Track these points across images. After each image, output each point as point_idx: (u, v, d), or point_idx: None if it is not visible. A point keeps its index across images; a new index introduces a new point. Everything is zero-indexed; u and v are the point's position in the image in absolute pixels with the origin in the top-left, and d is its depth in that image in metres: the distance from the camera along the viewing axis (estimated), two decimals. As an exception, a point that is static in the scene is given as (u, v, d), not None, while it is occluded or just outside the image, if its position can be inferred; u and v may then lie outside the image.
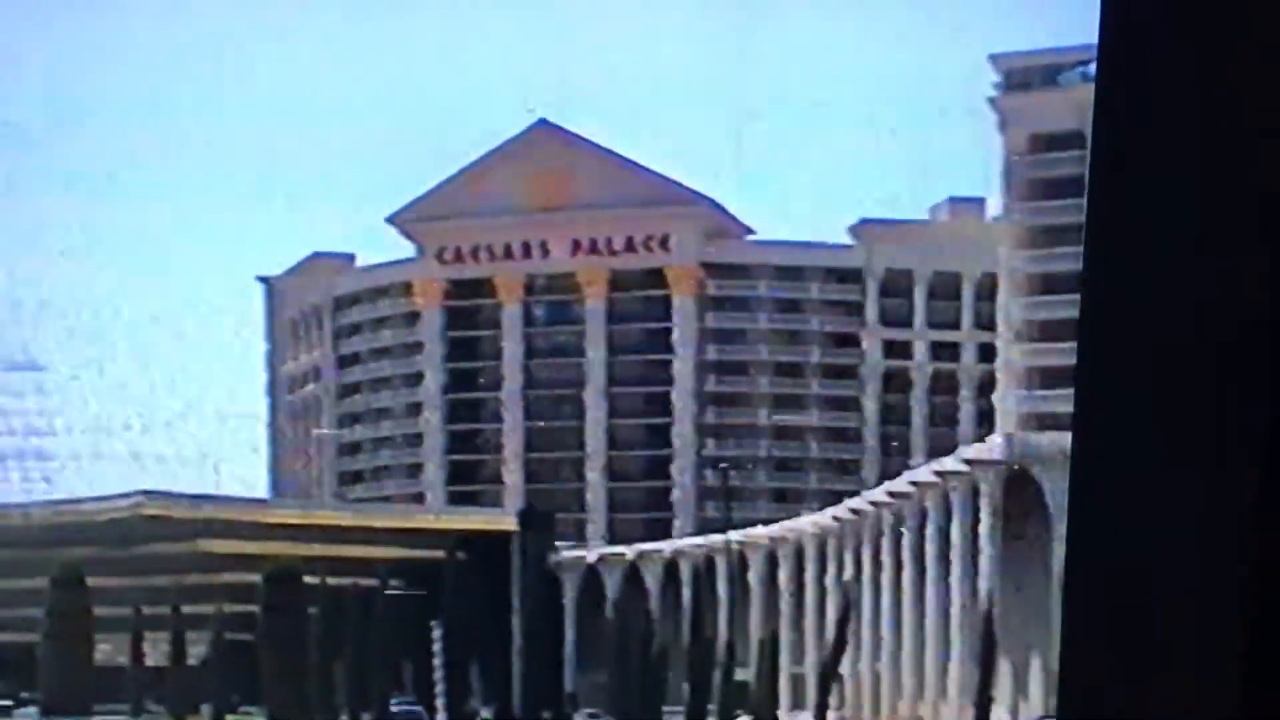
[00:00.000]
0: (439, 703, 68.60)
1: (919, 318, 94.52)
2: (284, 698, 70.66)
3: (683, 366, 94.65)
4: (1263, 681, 2.22)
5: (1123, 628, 2.32)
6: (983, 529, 73.61)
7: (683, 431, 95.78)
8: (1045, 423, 78.71)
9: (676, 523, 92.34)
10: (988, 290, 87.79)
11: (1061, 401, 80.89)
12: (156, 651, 79.61)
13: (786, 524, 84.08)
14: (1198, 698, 2.26)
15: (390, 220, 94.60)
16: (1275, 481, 2.18)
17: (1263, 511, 2.18)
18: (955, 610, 73.95)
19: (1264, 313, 2.16)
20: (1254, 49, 2.14)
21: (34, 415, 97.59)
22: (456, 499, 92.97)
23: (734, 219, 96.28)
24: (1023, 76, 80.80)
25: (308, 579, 77.74)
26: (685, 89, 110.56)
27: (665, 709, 74.11)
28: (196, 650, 79.75)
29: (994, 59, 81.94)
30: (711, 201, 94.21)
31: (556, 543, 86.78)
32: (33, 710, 66.48)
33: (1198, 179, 2.19)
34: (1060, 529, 44.56)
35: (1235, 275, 2.18)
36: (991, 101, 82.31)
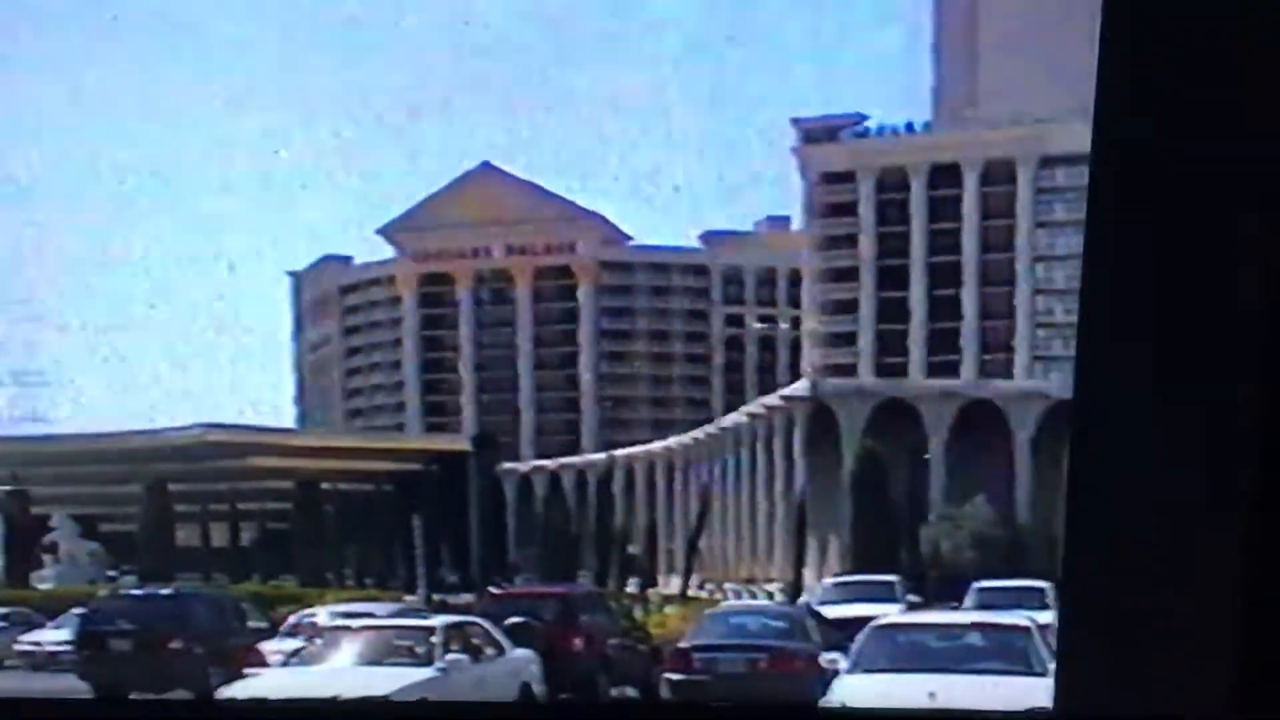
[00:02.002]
0: (420, 573, 66.37)
1: (749, 299, 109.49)
2: (308, 569, 74.80)
3: (585, 332, 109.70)
4: (1259, 674, 2.02)
5: (1119, 622, 2.08)
6: (796, 445, 79.43)
7: (586, 379, 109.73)
8: (835, 372, 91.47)
9: (583, 443, 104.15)
10: (795, 279, 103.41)
11: (845, 356, 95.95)
12: (219, 537, 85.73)
13: (658, 444, 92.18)
14: (1194, 691, 2.04)
15: (379, 231, 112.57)
16: (1272, 476, 1.97)
17: (1260, 506, 1.97)
18: (778, 503, 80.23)
19: (1261, 307, 1.94)
20: (1254, 45, 1.90)
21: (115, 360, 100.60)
22: (429, 428, 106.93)
23: (618, 230, 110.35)
24: (813, 134, 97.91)
25: (324, 485, 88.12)
26: (579, 138, 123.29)
27: (578, 573, 73.68)
28: (247, 536, 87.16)
29: (794, 121, 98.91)
30: (602, 218, 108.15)
31: (500, 459, 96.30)
32: (131, 579, 62.89)
33: (1196, 174, 1.95)
34: (849, 448, 67.19)
35: (1233, 271, 1.97)
36: (794, 150, 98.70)
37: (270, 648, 25.00)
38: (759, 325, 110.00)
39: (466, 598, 36.26)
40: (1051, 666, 15.68)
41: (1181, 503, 2.07)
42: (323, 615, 28.35)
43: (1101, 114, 2.03)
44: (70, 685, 24.82)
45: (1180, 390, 2.06)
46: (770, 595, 54.88)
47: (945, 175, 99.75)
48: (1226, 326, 2.03)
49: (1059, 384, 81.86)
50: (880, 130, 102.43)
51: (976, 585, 31.66)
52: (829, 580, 45.88)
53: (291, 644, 24.48)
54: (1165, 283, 2.05)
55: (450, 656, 18.94)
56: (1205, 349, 2.05)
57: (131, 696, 23.98)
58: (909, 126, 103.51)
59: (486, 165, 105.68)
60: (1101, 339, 2.11)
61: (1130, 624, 2.12)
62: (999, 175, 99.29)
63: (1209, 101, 1.99)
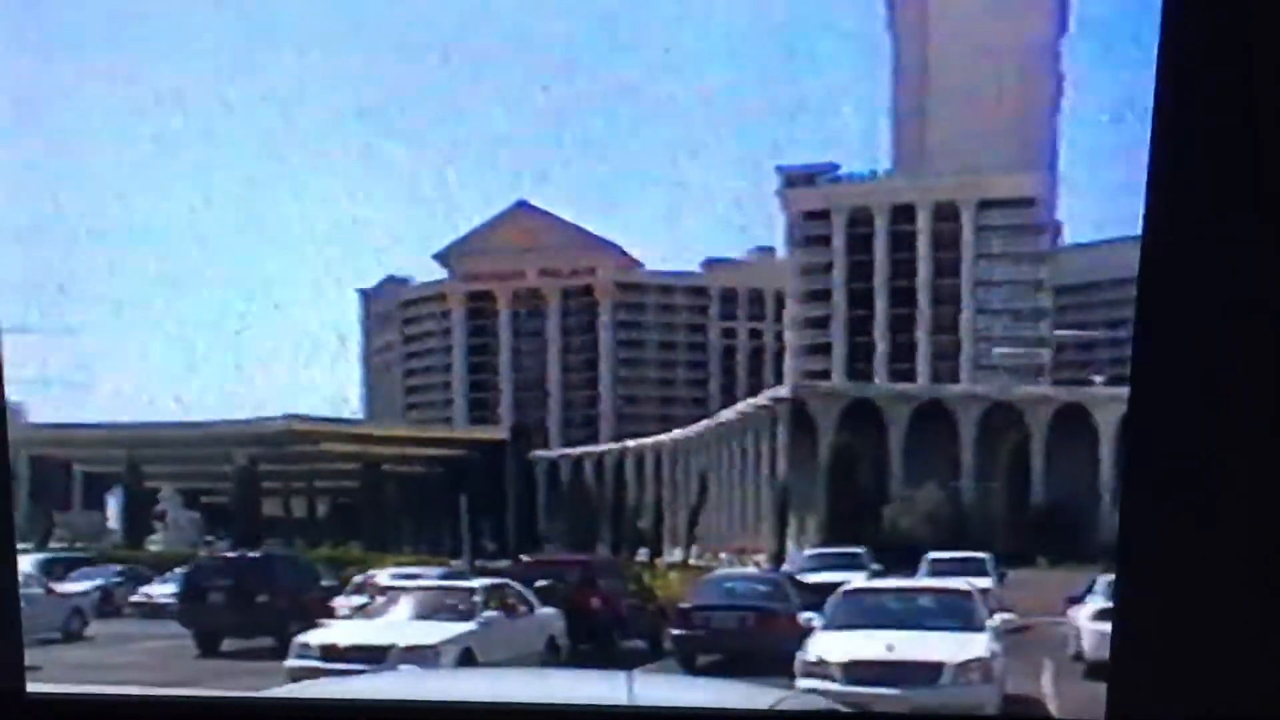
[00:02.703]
0: (465, 542, 65.61)
1: (741, 316, 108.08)
2: (371, 537, 72.96)
3: (604, 342, 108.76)
4: None
5: (1173, 623, 1.77)
6: (779, 438, 78.83)
7: (604, 381, 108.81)
8: (812, 377, 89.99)
9: (601, 435, 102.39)
10: (779, 300, 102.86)
11: (820, 364, 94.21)
12: (298, 509, 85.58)
13: (664, 436, 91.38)
14: (1247, 693, 1.74)
15: (434, 256, 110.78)
16: None
17: None
18: (764, 486, 78.88)
19: None
20: None
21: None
22: (473, 421, 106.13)
23: (632, 257, 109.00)
24: (794, 179, 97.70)
25: (385, 467, 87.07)
26: (598, 180, 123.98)
27: (597, 544, 73.82)
28: (321, 509, 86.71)
29: (778, 168, 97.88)
30: (619, 247, 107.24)
31: (532, 448, 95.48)
32: (225, 543, 62.38)
33: (1253, 173, 1.67)
34: (823, 441, 66.91)
35: None
36: (778, 192, 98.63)
37: (339, 602, 24.96)
38: (749, 339, 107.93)
39: (503, 563, 35.84)
40: (990, 623, 16.22)
41: (1236, 502, 1.81)
42: (383, 576, 28.55)
43: (1160, 115, 1.78)
44: (174, 630, 24.82)
45: (1235, 390, 1.79)
46: (757, 564, 54.39)
47: (903, 214, 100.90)
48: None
49: (997, 388, 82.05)
50: (850, 176, 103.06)
51: (928, 556, 31.60)
52: (806, 551, 46.06)
53: (357, 600, 24.42)
54: (1220, 278, 1.78)
55: (488, 613, 18.85)
56: (1263, 345, 1.77)
57: (224, 646, 23.93)
58: (873, 173, 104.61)
59: (522, 203, 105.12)
60: (1158, 336, 1.85)
61: (1186, 624, 1.84)
62: (947, 214, 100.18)
63: (1265, 103, 1.72)
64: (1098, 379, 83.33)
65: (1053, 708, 15.33)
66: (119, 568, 38.70)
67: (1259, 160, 1.76)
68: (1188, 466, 1.83)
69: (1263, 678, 1.83)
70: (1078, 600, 19.99)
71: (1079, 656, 18.86)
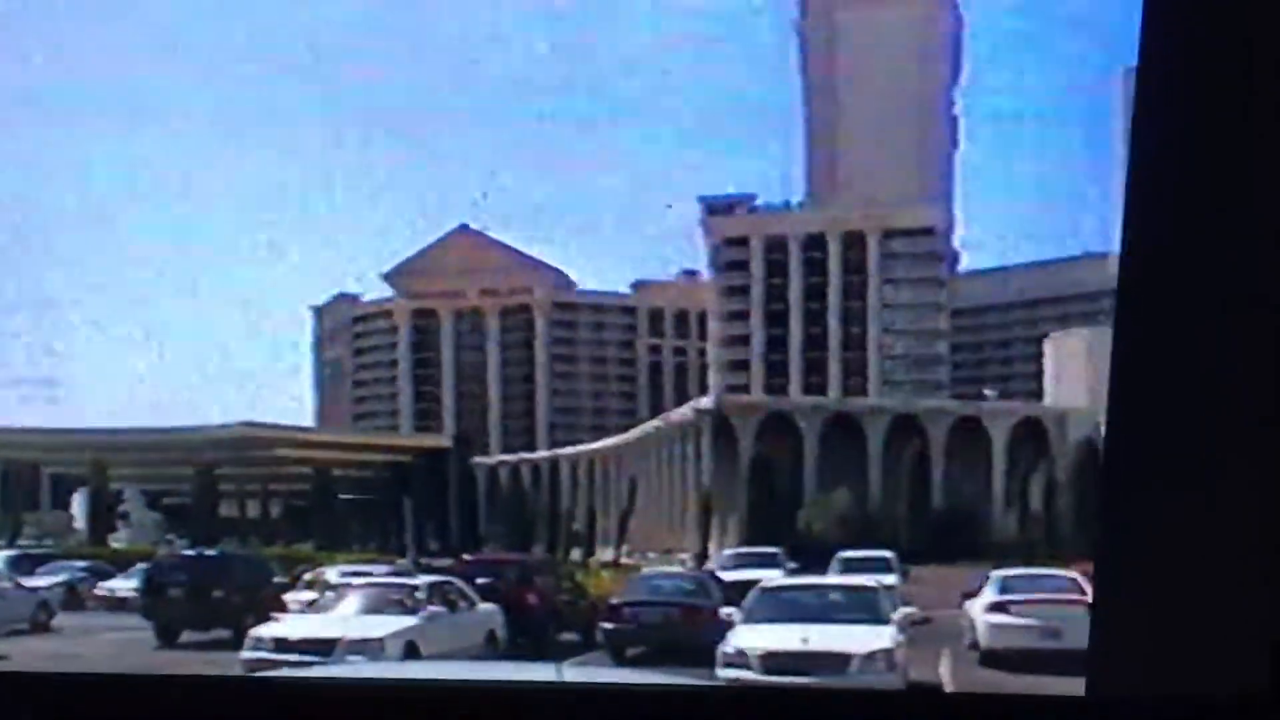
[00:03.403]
0: (410, 542, 65.61)
1: (667, 333, 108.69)
2: (322, 537, 72.42)
3: (540, 357, 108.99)
4: None
5: (1151, 605, 1.68)
6: (704, 445, 78.24)
7: (541, 392, 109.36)
8: (732, 389, 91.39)
9: (538, 443, 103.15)
10: (702, 318, 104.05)
11: (740, 378, 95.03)
12: (253, 510, 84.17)
13: (597, 444, 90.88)
14: (1226, 672, 1.65)
15: (383, 276, 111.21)
16: None
17: None
18: (689, 490, 78.73)
19: None
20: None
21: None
22: (418, 429, 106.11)
23: (567, 277, 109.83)
24: (716, 208, 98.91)
25: (336, 471, 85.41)
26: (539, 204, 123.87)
27: (533, 545, 73.02)
28: (275, 510, 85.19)
29: (700, 198, 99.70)
30: (555, 268, 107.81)
31: (473, 454, 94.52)
32: (185, 541, 60.56)
33: (1229, 171, 1.59)
34: (743, 449, 67.35)
35: (1260, 269, 1.59)
36: (701, 220, 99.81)
37: (291, 597, 24.52)
38: (674, 356, 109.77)
39: (446, 562, 35.33)
40: (894, 616, 16.46)
41: (1213, 488, 1.71)
42: (332, 574, 28.12)
43: (1142, 114, 1.71)
44: (135, 622, 24.27)
45: (1211, 379, 1.71)
46: (683, 563, 54.27)
47: (815, 242, 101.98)
48: (1259, 322, 1.67)
49: (900, 401, 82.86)
50: (767, 207, 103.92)
51: (839, 555, 31.51)
52: (728, 551, 45.29)
53: (308, 595, 24.02)
54: (1196, 280, 1.69)
55: (431, 608, 18.59)
56: (1234, 342, 1.70)
57: (182, 638, 23.43)
58: (787, 204, 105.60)
59: (464, 226, 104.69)
60: (1136, 334, 1.75)
61: (1163, 607, 1.75)
62: (854, 242, 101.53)
63: (1240, 111, 1.65)
64: (989, 393, 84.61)
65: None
66: (84, 563, 38.12)
67: (1228, 163, 1.69)
68: (1162, 452, 1.76)
69: (1236, 656, 1.75)
70: (973, 595, 20.10)
71: (974, 646, 18.90)
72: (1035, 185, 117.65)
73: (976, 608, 19.13)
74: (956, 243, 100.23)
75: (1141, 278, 1.73)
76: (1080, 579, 18.34)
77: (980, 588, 19.70)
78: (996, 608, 18.37)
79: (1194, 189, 1.70)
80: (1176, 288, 1.72)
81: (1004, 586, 18.89)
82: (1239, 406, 1.72)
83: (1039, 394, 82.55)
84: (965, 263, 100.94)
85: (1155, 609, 1.78)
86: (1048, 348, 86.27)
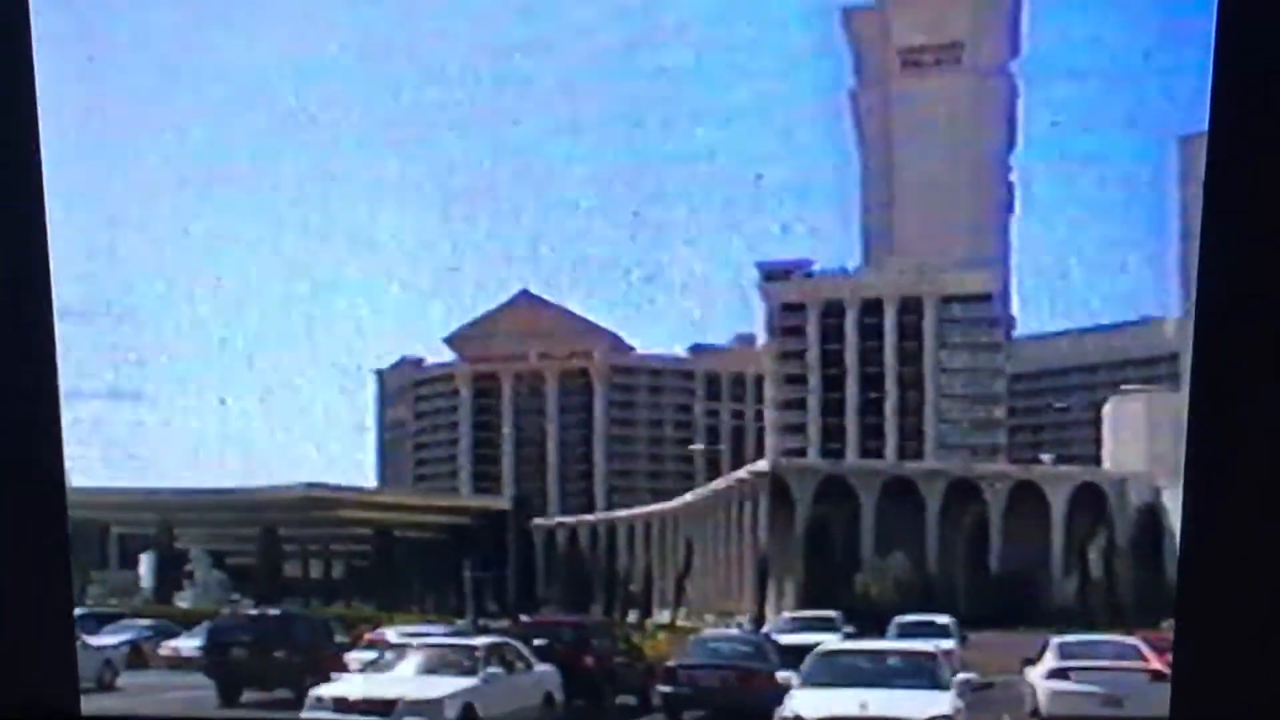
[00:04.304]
0: (469, 603, 65.99)
1: (724, 397, 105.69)
2: (382, 597, 72.58)
3: (598, 420, 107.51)
4: None
5: (1235, 636, 1.61)
6: (760, 509, 78.17)
7: (599, 455, 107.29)
8: (789, 454, 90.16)
9: (595, 505, 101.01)
10: (759, 383, 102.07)
11: (796, 442, 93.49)
12: (315, 570, 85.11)
13: (654, 506, 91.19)
14: None
15: (445, 340, 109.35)
16: None
17: None
18: (746, 553, 78.33)
19: None
20: None
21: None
22: (478, 491, 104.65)
23: (625, 342, 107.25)
24: (773, 274, 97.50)
25: (396, 533, 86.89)
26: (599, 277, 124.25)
27: (590, 606, 74.82)
28: (336, 570, 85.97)
29: (758, 264, 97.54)
30: (613, 333, 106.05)
31: (532, 516, 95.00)
32: (248, 601, 59.96)
33: None
34: (800, 512, 66.86)
35: None
36: (758, 285, 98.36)
37: (352, 657, 24.51)
38: (731, 418, 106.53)
39: (503, 623, 35.19)
40: (953, 681, 16.14)
41: None
42: (392, 634, 28.09)
43: (1215, 134, 1.68)
44: (198, 681, 24.55)
45: None
46: (740, 626, 53.53)
47: (872, 307, 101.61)
48: None
49: (958, 465, 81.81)
50: (823, 272, 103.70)
51: (897, 620, 31.13)
52: (785, 615, 45.76)
53: (368, 655, 23.99)
54: (1270, 341, 1.64)
55: (490, 669, 18.52)
56: None
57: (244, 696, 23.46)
58: (844, 270, 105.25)
59: (525, 291, 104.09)
60: (1213, 398, 1.71)
61: (1246, 639, 1.67)
62: (911, 307, 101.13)
63: None
64: (1047, 458, 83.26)
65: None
66: (149, 622, 38.12)
67: None
68: (1239, 518, 1.68)
69: None
70: (1033, 661, 19.73)
71: (1034, 713, 18.60)
72: (1090, 250, 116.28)
73: (1037, 674, 18.84)
74: (1013, 308, 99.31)
75: (1217, 341, 1.73)
76: (1141, 646, 17.97)
77: (1040, 654, 19.45)
78: (1057, 674, 18.11)
79: (1266, 253, 1.70)
80: (1250, 350, 1.70)
81: (1064, 652, 18.62)
82: None
83: (1097, 459, 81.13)
84: (1021, 328, 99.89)
85: (1237, 632, 1.71)
86: (1106, 412, 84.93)
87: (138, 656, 32.05)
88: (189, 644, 31.11)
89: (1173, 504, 56.22)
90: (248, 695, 23.55)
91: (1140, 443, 70.33)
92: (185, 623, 37.45)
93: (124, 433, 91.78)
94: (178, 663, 30.34)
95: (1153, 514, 59.81)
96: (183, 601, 65.14)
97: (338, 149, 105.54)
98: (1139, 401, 77.04)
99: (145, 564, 75.91)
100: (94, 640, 29.84)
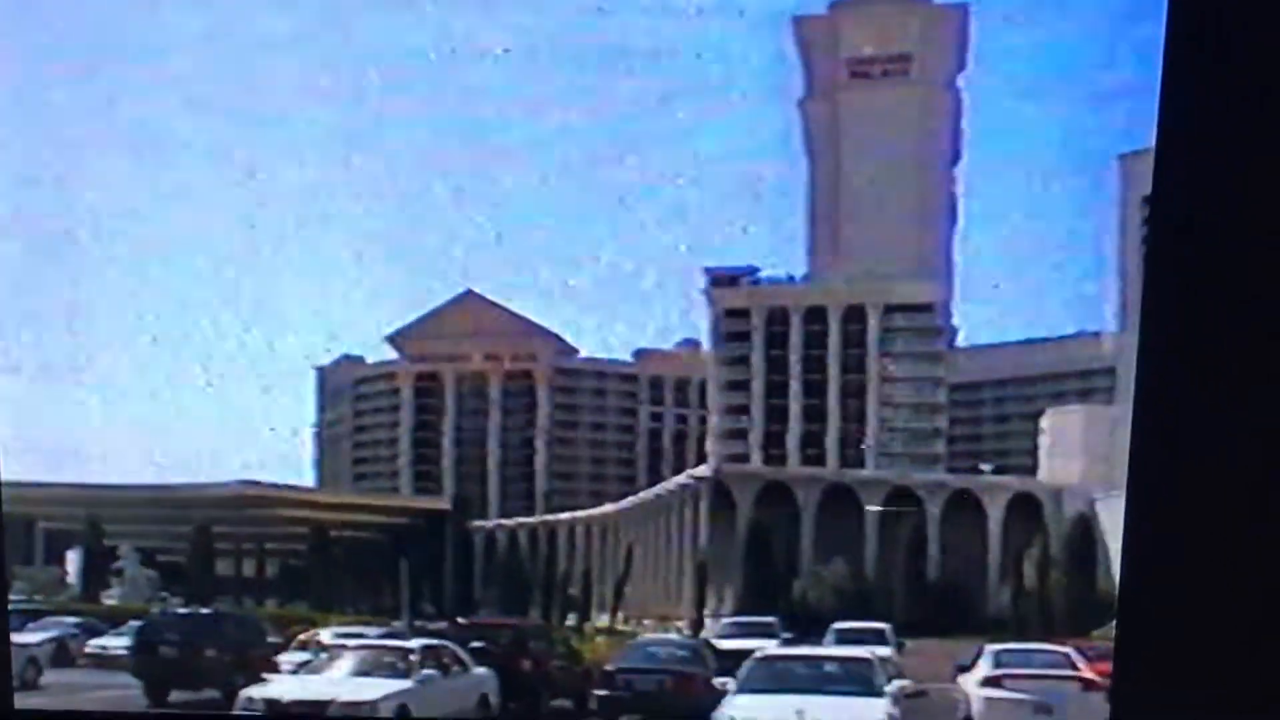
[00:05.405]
0: (405, 604, 66.07)
1: (667, 401, 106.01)
2: (317, 597, 72.53)
3: (541, 423, 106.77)
4: None
5: (1174, 641, 1.63)
6: (701, 514, 78.47)
7: (540, 458, 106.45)
8: (731, 459, 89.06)
9: (536, 508, 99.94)
10: (702, 388, 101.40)
11: (739, 448, 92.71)
12: (248, 569, 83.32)
13: (594, 510, 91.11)
14: (1250, 705, 1.59)
15: (387, 338, 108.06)
16: None
17: None
18: (685, 558, 78.32)
19: None
20: None
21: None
22: (417, 491, 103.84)
23: (569, 345, 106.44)
24: (719, 280, 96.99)
25: (333, 532, 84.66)
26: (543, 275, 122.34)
27: (528, 609, 74.37)
28: (270, 569, 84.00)
29: (705, 269, 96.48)
30: (558, 335, 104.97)
31: (471, 518, 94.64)
32: (178, 600, 59.34)
33: (1245, 252, 1.53)
34: (741, 517, 67.13)
35: None
36: (704, 290, 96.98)
37: (284, 658, 24.25)
38: (675, 424, 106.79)
39: (440, 625, 34.84)
40: (888, 688, 16.23)
41: (1234, 520, 1.64)
42: (326, 635, 27.83)
43: (1163, 150, 1.69)
44: (126, 681, 24.20)
45: (1229, 453, 1.62)
46: (678, 630, 53.56)
47: (815, 315, 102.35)
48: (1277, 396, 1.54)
49: (897, 474, 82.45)
50: (769, 279, 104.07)
51: (835, 626, 31.27)
52: (724, 619, 46.47)
53: (301, 656, 23.75)
54: (1214, 355, 1.64)
55: (425, 671, 18.41)
56: (1251, 417, 1.61)
57: (171, 696, 23.13)
58: (790, 278, 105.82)
59: (469, 291, 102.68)
60: (1156, 412, 1.69)
61: (1186, 648, 1.66)
62: (854, 316, 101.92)
63: (1256, 192, 1.62)
64: (986, 468, 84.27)
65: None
66: (75, 620, 37.77)
67: (1245, 245, 1.71)
68: (1187, 480, 1.71)
69: (1260, 687, 1.63)
70: (967, 668, 19.90)
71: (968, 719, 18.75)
72: (1031, 263, 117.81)
73: (971, 682, 19.06)
74: (955, 318, 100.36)
75: (1160, 355, 1.75)
76: (1074, 654, 18.21)
77: (974, 661, 19.64)
78: (991, 682, 18.29)
79: (1211, 269, 1.73)
80: (1193, 364, 1.74)
81: (998, 661, 18.82)
82: (1257, 483, 1.68)
83: (1034, 469, 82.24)
84: (962, 338, 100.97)
85: (1176, 687, 1.73)
86: (1044, 424, 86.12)
87: (63, 654, 31.68)
88: (116, 642, 30.74)
89: (1107, 515, 57.29)
90: (176, 695, 23.17)
91: (1076, 454, 71.40)
92: (113, 620, 37.20)
93: (52, 425, 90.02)
94: (104, 662, 29.93)
95: (1087, 524, 60.67)
96: (111, 599, 64.04)
97: (280, 142, 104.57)
98: (1076, 414, 78.23)
99: (72, 560, 74.71)
100: (18, 638, 28.79)
